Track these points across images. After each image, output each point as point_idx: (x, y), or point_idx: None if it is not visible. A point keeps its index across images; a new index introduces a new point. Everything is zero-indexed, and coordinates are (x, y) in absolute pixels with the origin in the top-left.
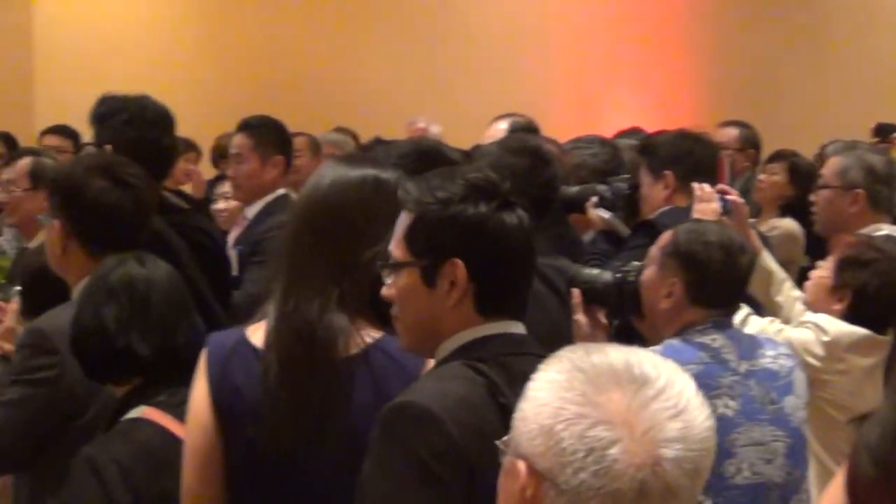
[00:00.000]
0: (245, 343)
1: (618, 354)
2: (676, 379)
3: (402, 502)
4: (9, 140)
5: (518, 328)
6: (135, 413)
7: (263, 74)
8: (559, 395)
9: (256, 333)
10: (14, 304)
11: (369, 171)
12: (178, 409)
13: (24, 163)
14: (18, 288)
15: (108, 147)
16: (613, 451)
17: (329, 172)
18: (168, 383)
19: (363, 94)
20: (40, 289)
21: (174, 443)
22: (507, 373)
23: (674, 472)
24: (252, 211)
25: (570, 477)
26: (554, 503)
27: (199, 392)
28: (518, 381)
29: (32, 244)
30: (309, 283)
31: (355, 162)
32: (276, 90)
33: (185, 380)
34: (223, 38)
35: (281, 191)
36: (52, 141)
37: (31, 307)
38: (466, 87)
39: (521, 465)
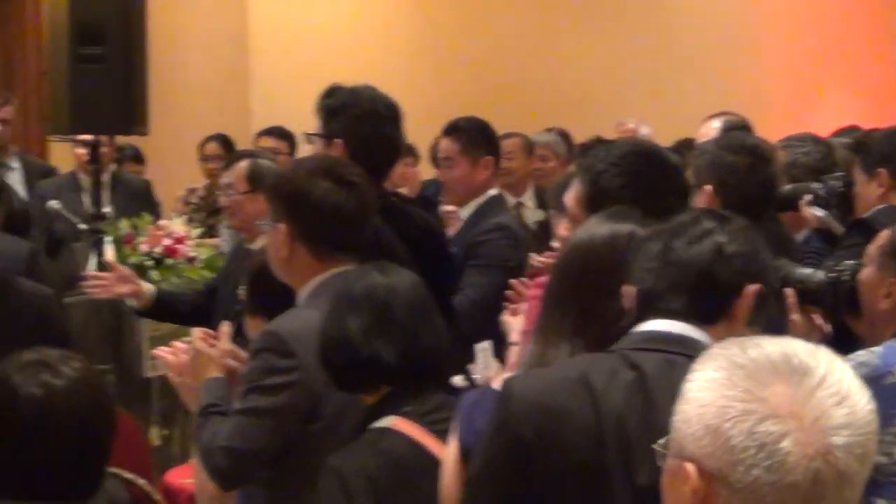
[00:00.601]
0: (491, 390)
1: (773, 347)
2: (835, 366)
3: (474, 466)
4: (226, 142)
5: (669, 326)
6: (383, 423)
7: (477, 76)
8: (722, 394)
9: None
10: (226, 327)
11: (623, 227)
12: (426, 418)
13: (242, 165)
14: (243, 287)
15: (339, 141)
16: (785, 443)
17: (588, 225)
18: (416, 391)
19: (575, 94)
20: (265, 287)
21: (422, 454)
22: (624, 362)
23: (845, 458)
24: (466, 212)
25: (742, 475)
26: (728, 502)
27: (452, 440)
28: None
29: (254, 246)
30: (559, 330)
31: (613, 217)
32: (490, 91)
33: (433, 386)
34: (437, 39)
35: (493, 191)
36: (267, 142)
37: (257, 306)
38: (678, 87)
39: (691, 468)
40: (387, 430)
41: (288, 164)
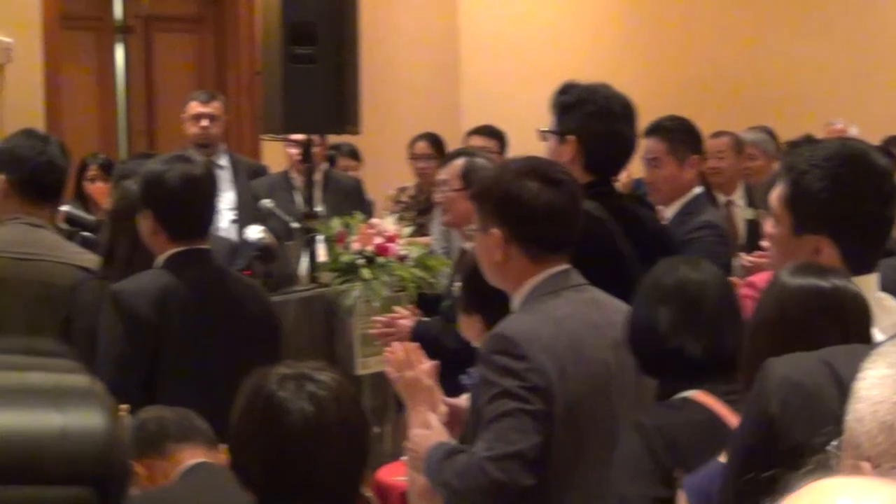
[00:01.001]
0: (722, 464)
1: None
2: None
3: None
4: (435, 141)
5: None
6: (683, 394)
7: (684, 73)
8: (895, 390)
9: None
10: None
11: (810, 282)
12: (726, 397)
13: (458, 163)
14: (458, 284)
15: (572, 138)
16: None
17: (776, 280)
18: (716, 377)
19: (782, 93)
20: (481, 284)
21: (720, 423)
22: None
23: None
24: (670, 211)
25: None
26: None
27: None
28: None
29: (468, 244)
30: None
31: (799, 272)
32: (697, 89)
33: (732, 378)
34: (645, 37)
35: (697, 190)
36: (477, 141)
37: (472, 304)
38: (886, 83)
39: (867, 467)
40: (687, 399)
41: (492, 168)
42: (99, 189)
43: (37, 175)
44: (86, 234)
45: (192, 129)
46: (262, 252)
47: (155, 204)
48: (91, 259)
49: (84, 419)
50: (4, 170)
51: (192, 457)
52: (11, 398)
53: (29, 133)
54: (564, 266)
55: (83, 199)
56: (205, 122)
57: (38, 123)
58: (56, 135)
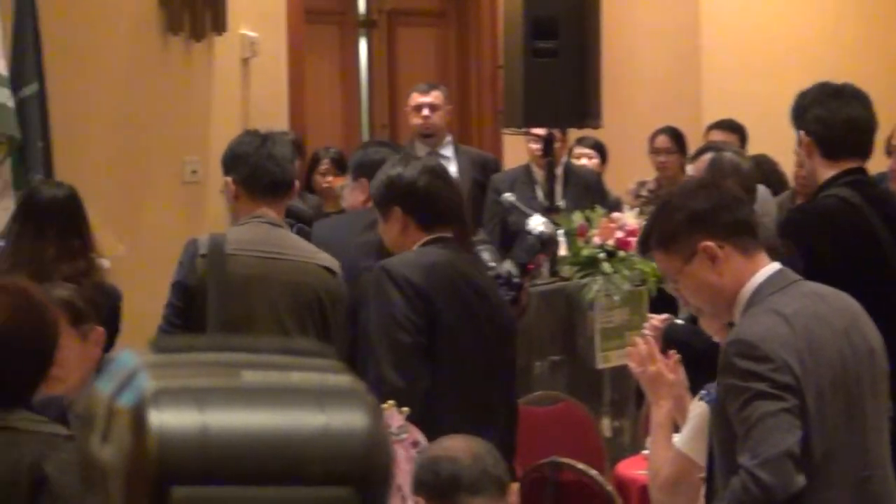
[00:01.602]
0: None
1: None
2: None
3: None
4: (676, 135)
5: None
6: None
7: None
8: None
9: None
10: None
11: None
12: None
13: (706, 158)
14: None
15: (802, 132)
16: None
17: None
18: None
19: None
20: None
21: None
22: None
23: None
24: None
25: None
26: None
27: None
28: None
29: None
30: None
31: None
32: None
33: None
34: (886, 34)
35: None
36: (717, 136)
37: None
38: None
39: None
40: None
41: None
42: (331, 183)
43: (258, 172)
44: (301, 225)
45: (415, 121)
46: (545, 245)
47: (402, 200)
48: (327, 258)
49: (346, 419)
50: (231, 171)
51: None
52: (273, 398)
53: (249, 132)
54: (777, 265)
55: (313, 194)
56: (426, 112)
57: (282, 117)
58: (299, 128)
